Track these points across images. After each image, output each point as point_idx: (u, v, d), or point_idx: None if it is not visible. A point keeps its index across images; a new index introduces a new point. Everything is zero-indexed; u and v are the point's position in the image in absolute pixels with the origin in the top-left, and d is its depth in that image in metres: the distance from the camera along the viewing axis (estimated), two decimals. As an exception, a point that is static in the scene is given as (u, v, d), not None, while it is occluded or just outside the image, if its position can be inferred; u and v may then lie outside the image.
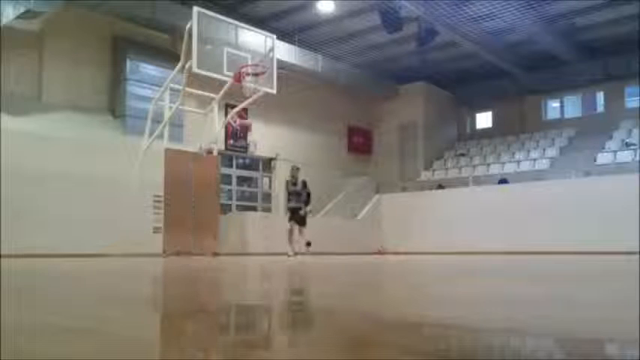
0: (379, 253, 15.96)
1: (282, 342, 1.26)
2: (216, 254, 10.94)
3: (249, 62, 11.07)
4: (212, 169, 11.89)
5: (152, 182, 10.92)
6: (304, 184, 11.81)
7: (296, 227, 11.49)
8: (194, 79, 10.96)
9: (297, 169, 12.08)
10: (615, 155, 16.31)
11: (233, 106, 12.65)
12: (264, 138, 17.14)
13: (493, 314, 1.72)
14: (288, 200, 11.86)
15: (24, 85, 12.18)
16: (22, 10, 10.94)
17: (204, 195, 11.38)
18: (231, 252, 12.13)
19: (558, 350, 1.16)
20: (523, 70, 19.01)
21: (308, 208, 11.75)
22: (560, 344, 1.21)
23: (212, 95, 11.75)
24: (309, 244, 11.52)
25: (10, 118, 10.97)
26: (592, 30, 16.33)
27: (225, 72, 10.68)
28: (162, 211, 10.89)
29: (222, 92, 11.35)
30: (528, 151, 18.75)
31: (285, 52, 15.18)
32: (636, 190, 12.67)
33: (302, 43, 16.32)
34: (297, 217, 11.53)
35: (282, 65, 13.98)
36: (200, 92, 11.87)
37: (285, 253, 11.03)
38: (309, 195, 11.81)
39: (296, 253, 11.09)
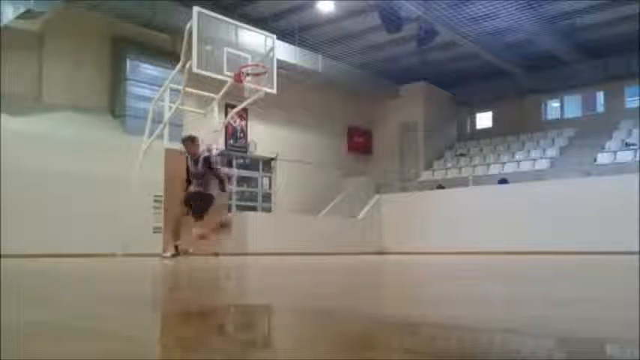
0: (379, 253, 15.96)
1: (281, 342, 1.26)
2: (216, 254, 10.94)
3: (249, 62, 11.06)
4: (212, 169, 11.85)
5: (152, 182, 10.93)
6: (206, 161, 8.51)
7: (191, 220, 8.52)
8: (194, 79, 10.96)
9: (192, 139, 8.70)
10: (615, 155, 16.32)
11: (233, 106, 12.64)
12: (264, 138, 17.15)
13: (493, 314, 1.72)
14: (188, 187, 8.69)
15: (24, 85, 12.18)
16: (22, 10, 10.94)
17: (204, 195, 11.35)
18: (231, 252, 12.12)
19: (558, 350, 1.16)
20: (523, 70, 19.03)
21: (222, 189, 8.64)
22: (560, 344, 1.21)
23: (212, 95, 11.75)
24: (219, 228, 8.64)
25: (10, 118, 10.98)
26: (592, 30, 16.33)
27: (225, 72, 10.67)
28: (162, 211, 10.89)
29: (222, 92, 11.34)
30: (528, 151, 18.76)
31: (285, 52, 15.18)
32: (636, 190, 12.67)
33: (302, 43, 16.32)
34: (196, 204, 8.48)
35: (282, 65, 13.97)
36: (200, 92, 11.87)
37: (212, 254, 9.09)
38: (219, 177, 8.58)
39: (175, 254, 8.57)
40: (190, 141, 8.71)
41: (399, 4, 14.47)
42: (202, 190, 8.55)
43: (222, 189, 8.82)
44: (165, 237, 10.80)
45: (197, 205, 8.57)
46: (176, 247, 8.72)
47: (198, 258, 8.70)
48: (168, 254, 8.75)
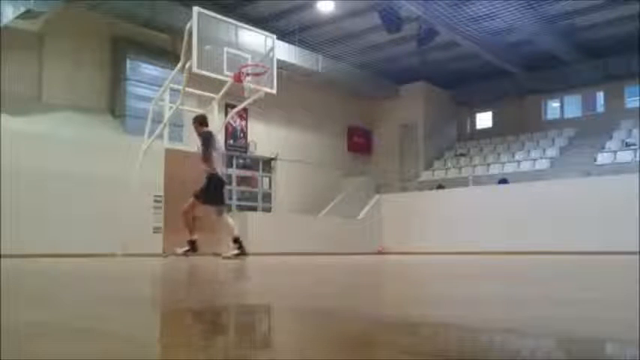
0: (379, 253, 15.96)
1: (281, 342, 1.26)
2: (216, 254, 10.94)
3: (249, 62, 11.06)
4: (212, 169, 11.86)
5: (152, 182, 10.92)
6: (201, 136, 8.55)
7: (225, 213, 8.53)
8: (194, 79, 10.96)
9: (196, 118, 8.96)
10: (615, 155, 16.32)
11: (233, 106, 12.64)
12: (264, 138, 17.14)
13: (493, 314, 1.72)
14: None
15: (24, 85, 12.18)
16: (22, 10, 10.95)
17: (204, 195, 11.36)
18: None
19: (558, 350, 1.16)
20: (523, 70, 19.03)
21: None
22: (560, 344, 1.20)
23: (212, 95, 11.75)
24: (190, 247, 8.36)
25: (10, 118, 10.97)
26: (592, 30, 16.33)
27: (225, 72, 10.67)
28: (162, 211, 10.89)
29: (222, 92, 11.33)
30: (528, 151, 18.76)
31: (285, 52, 15.18)
32: (636, 190, 12.66)
33: (302, 43, 16.32)
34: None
35: (282, 65, 13.97)
36: (200, 92, 11.86)
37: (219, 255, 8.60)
38: (205, 159, 8.35)
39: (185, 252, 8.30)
40: (196, 120, 8.85)
41: (399, 4, 14.47)
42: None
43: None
44: (165, 237, 10.80)
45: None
46: (192, 243, 8.47)
47: (197, 257, 8.70)
48: (180, 251, 8.48)
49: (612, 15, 15.30)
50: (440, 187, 17.76)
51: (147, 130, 11.35)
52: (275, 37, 11.88)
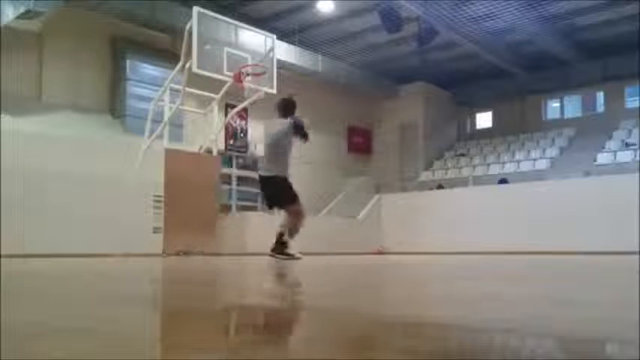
0: (379, 252, 15.95)
1: (281, 342, 1.26)
2: (216, 254, 10.93)
3: (249, 62, 11.06)
4: (212, 169, 11.89)
5: (152, 182, 10.91)
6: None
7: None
8: (194, 79, 10.96)
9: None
10: (615, 155, 16.33)
11: (233, 106, 12.65)
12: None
13: (493, 314, 1.72)
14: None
15: (24, 85, 12.18)
16: (22, 10, 10.96)
17: (204, 195, 11.38)
18: (231, 252, 12.13)
19: (558, 350, 1.16)
20: (523, 70, 19.04)
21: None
22: (560, 344, 1.20)
23: (212, 95, 11.75)
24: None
25: (10, 118, 10.97)
26: (592, 30, 16.35)
27: (225, 72, 10.67)
28: (162, 211, 10.88)
29: (222, 92, 11.34)
30: (528, 151, 18.77)
31: (285, 52, 15.19)
32: (636, 190, 12.66)
33: (302, 43, 16.33)
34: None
35: (282, 65, 13.97)
36: (200, 92, 11.86)
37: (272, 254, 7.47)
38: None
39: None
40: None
41: (399, 4, 14.47)
42: None
43: None
44: (165, 237, 10.79)
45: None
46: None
47: (197, 258, 8.69)
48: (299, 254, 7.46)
49: (612, 15, 15.31)
50: (440, 187, 17.77)
51: (147, 130, 11.36)
52: (275, 37, 11.88)
